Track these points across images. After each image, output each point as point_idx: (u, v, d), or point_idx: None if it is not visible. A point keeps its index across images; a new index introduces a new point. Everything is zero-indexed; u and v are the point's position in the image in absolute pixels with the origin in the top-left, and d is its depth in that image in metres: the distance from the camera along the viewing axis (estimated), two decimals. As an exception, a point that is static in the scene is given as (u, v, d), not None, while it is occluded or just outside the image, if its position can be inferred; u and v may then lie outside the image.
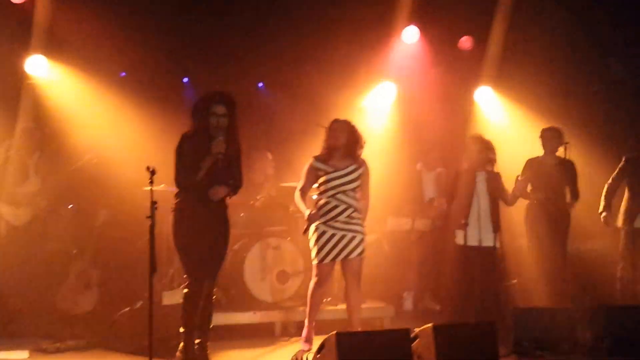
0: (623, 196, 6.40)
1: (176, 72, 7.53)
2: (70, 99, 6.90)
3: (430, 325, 4.64)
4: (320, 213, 5.13)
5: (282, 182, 6.54)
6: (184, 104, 6.96)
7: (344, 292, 5.29)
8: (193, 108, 4.95)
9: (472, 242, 5.78)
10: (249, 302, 6.05)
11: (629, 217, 6.27)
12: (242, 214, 6.37)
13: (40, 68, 6.83)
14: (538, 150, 6.41)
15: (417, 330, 4.71)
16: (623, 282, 6.19)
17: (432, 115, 7.34)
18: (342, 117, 5.31)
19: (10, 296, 5.97)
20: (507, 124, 7.52)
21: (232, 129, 4.88)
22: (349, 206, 5.14)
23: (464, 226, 5.77)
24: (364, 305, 6.17)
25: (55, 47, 6.79)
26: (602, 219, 6.36)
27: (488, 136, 6.03)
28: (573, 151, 6.23)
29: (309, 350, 5.18)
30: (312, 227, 5.17)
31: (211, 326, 5.02)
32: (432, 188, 7.05)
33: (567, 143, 6.20)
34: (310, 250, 5.23)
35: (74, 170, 6.46)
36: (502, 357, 4.84)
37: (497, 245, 5.84)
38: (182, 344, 4.85)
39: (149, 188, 4.42)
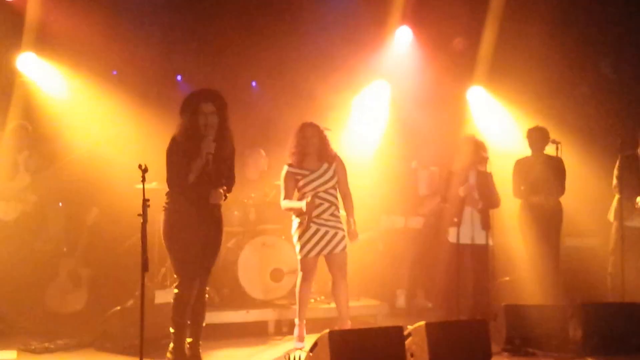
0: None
1: (169, 70, 7.50)
2: (61, 96, 6.86)
3: (423, 322, 4.65)
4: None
5: (276, 181, 6.53)
6: (177, 101, 6.92)
7: (332, 287, 5.38)
8: (181, 107, 4.83)
9: (465, 240, 5.82)
10: (242, 300, 6.03)
11: (620, 213, 6.30)
12: (235, 212, 6.35)
13: (31, 65, 6.80)
14: (529, 150, 6.44)
15: (410, 327, 4.71)
16: (613, 277, 6.22)
17: (424, 115, 7.36)
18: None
19: (-2, 294, 5.91)
20: (498, 124, 7.55)
21: (223, 127, 4.78)
22: (332, 204, 5.30)
23: (457, 224, 5.81)
24: (357, 303, 6.20)
25: (46, 45, 6.75)
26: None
27: (480, 136, 6.06)
28: (564, 150, 6.29)
29: (301, 348, 5.18)
30: (296, 222, 5.20)
31: (204, 325, 4.96)
32: (426, 186, 7.08)
33: (559, 142, 6.26)
34: (302, 248, 5.23)
35: (65, 163, 6.41)
36: (494, 354, 4.86)
37: (490, 243, 5.90)
38: (172, 345, 4.80)
39: (140, 186, 4.37)
